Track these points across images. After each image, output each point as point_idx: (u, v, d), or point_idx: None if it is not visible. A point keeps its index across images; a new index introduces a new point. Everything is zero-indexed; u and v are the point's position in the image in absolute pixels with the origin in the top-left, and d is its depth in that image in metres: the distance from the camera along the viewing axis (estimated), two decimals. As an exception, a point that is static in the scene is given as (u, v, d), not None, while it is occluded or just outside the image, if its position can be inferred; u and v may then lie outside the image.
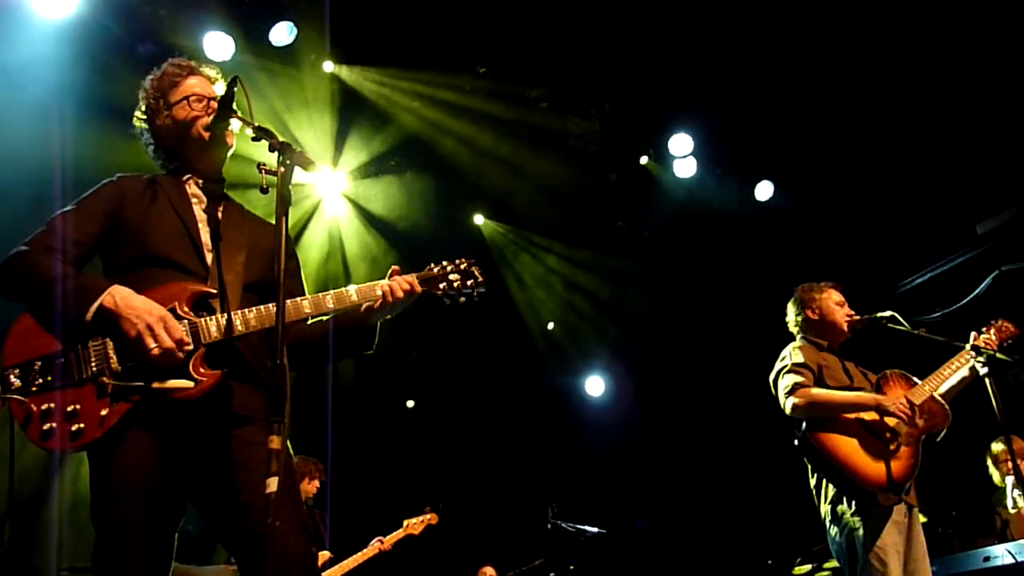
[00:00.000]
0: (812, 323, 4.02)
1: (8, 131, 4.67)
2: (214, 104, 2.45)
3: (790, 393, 3.69)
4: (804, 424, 3.67)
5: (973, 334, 3.79)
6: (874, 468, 3.54)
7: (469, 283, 2.54)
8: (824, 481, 3.71)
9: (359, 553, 5.32)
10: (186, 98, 2.48)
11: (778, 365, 3.90)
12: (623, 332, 8.50)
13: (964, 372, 3.78)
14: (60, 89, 4.77)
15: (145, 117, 2.53)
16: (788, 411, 3.70)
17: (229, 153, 2.55)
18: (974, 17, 5.39)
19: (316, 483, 5.40)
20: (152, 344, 2.11)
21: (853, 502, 3.55)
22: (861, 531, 3.51)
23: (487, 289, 2.55)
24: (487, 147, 6.41)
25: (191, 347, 2.18)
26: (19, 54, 4.65)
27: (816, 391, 3.68)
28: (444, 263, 2.56)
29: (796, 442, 3.74)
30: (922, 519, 3.73)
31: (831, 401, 3.67)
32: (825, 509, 3.70)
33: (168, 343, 2.12)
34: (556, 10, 5.64)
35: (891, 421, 3.64)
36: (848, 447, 3.59)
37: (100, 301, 2.14)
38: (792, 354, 3.88)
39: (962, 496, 5.93)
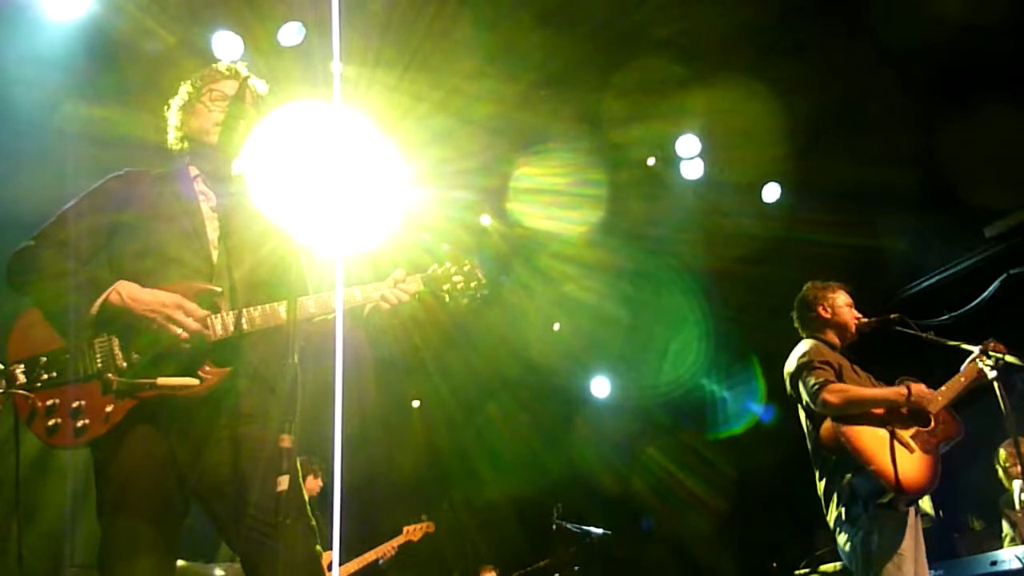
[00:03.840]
0: (824, 321, 3.98)
1: (17, 132, 4.70)
2: None
3: (821, 389, 3.59)
4: (832, 420, 3.59)
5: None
6: (900, 468, 3.48)
7: (472, 284, 2.57)
8: (840, 483, 3.61)
9: (361, 556, 5.41)
10: (211, 92, 2.52)
11: (798, 360, 3.81)
12: (629, 333, 8.50)
13: (974, 378, 3.77)
14: (69, 90, 4.80)
15: (181, 103, 2.58)
16: (819, 407, 3.60)
17: (239, 153, 2.57)
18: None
19: (320, 481, 5.45)
20: (178, 331, 2.13)
21: (871, 505, 3.48)
22: (877, 535, 3.45)
23: (490, 291, 2.57)
24: (492, 148, 6.41)
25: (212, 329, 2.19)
26: (29, 56, 4.68)
27: (849, 388, 3.63)
28: (448, 264, 2.58)
29: (818, 438, 3.65)
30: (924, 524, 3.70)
31: (864, 397, 3.62)
32: (838, 512, 3.61)
33: (194, 326, 2.15)
34: (564, 11, 5.65)
35: (908, 432, 3.62)
36: (878, 446, 3.52)
37: (106, 297, 2.16)
38: (813, 350, 3.81)
39: (970, 500, 5.90)
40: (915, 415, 3.69)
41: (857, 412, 3.60)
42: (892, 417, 3.64)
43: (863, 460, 3.49)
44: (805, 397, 3.72)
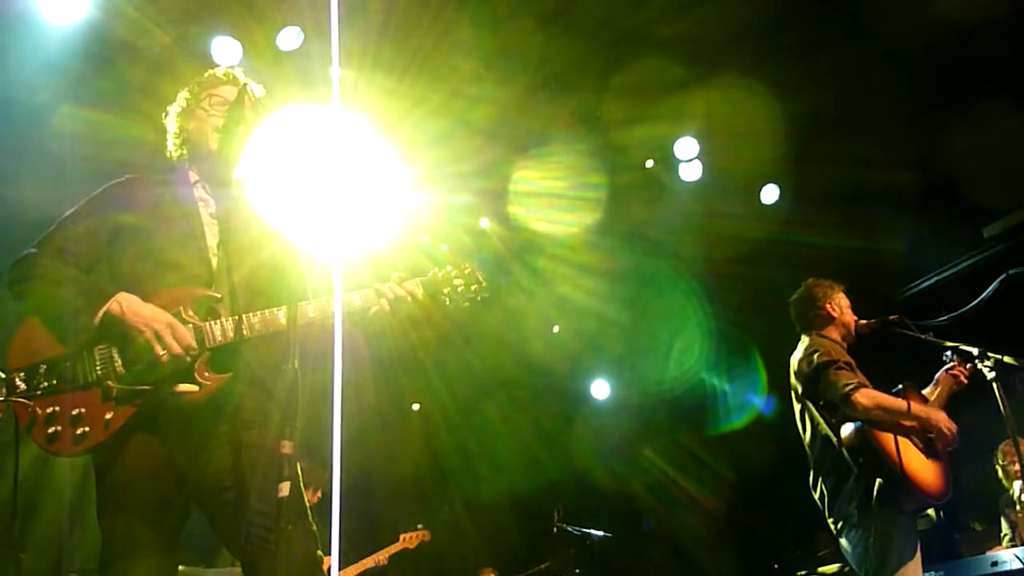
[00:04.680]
0: (830, 319, 3.94)
1: (17, 134, 4.71)
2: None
3: (855, 390, 3.55)
4: (860, 423, 3.58)
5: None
6: (923, 474, 3.51)
7: (473, 287, 2.57)
8: (856, 484, 3.54)
9: (358, 563, 5.41)
10: (210, 97, 2.53)
11: (817, 358, 3.72)
12: (629, 335, 8.50)
13: (951, 385, 3.81)
14: (68, 93, 4.80)
15: (180, 109, 2.59)
16: (849, 409, 3.56)
17: (239, 158, 2.57)
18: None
19: (319, 494, 5.39)
20: (161, 351, 2.14)
21: (888, 508, 3.44)
22: (893, 539, 3.43)
23: (490, 293, 2.57)
24: (491, 151, 6.41)
25: (196, 352, 2.20)
26: (28, 59, 4.69)
27: (880, 394, 3.60)
28: (448, 267, 2.59)
29: (837, 439, 3.62)
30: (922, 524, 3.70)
31: (891, 406, 3.59)
32: (849, 513, 3.55)
33: (177, 349, 2.16)
34: (562, 13, 5.65)
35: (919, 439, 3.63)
36: (902, 451, 3.51)
37: (107, 308, 2.17)
38: (832, 350, 3.77)
39: (970, 500, 5.90)
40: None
41: (886, 419, 3.57)
42: (907, 424, 3.64)
43: (891, 464, 3.47)
44: (828, 395, 3.66)
